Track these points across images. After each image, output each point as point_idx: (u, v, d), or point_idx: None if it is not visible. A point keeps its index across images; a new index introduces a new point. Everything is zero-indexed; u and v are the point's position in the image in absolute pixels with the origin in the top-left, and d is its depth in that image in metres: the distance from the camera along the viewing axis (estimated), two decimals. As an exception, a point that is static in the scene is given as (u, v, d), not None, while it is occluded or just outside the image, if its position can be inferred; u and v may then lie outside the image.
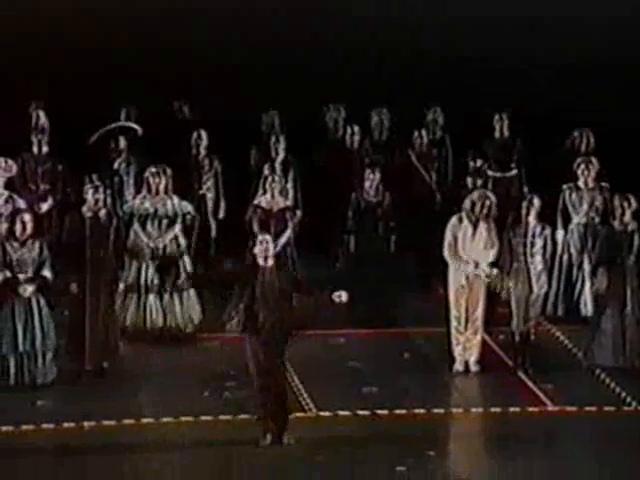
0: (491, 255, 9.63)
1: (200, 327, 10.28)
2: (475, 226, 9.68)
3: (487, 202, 9.68)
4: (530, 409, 9.08)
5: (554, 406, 9.13)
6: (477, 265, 9.69)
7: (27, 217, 9.44)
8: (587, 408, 9.08)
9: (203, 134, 11.44)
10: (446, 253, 9.65)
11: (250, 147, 11.77)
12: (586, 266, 10.65)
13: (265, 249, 8.42)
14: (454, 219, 9.69)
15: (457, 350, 9.70)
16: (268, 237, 8.56)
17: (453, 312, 9.69)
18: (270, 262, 8.52)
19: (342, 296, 8.67)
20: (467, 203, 9.69)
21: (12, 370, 9.23)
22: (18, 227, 9.37)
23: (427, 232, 10.45)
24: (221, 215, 11.41)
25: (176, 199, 10.41)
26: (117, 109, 11.75)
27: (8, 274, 9.32)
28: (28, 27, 12.33)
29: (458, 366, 9.72)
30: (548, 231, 9.84)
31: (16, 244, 9.40)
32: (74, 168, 10.99)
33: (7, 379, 9.26)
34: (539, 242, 9.71)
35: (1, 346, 9.26)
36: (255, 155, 11.72)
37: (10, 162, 10.22)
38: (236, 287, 8.47)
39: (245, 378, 9.09)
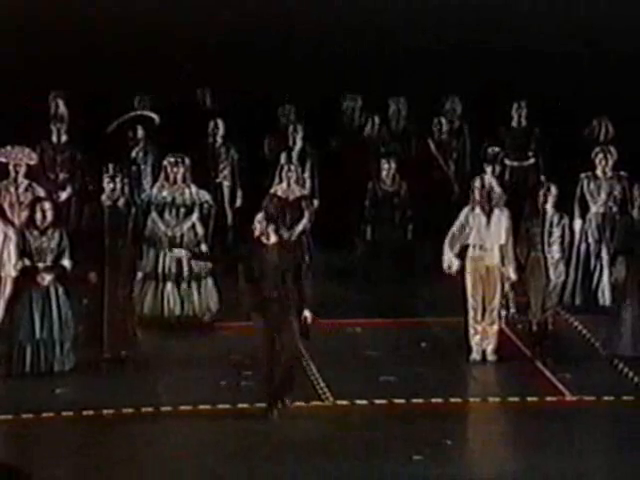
0: (501, 241, 9.59)
1: (218, 315, 10.31)
2: (489, 214, 9.66)
3: (485, 187, 9.64)
4: (548, 399, 9.06)
5: (572, 396, 9.12)
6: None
7: (47, 205, 9.48)
8: (605, 398, 9.07)
9: (220, 123, 11.49)
10: (446, 241, 9.65)
11: (267, 136, 11.80)
12: (604, 255, 10.65)
13: (260, 229, 8.57)
14: (466, 208, 9.71)
15: (474, 340, 9.70)
16: (259, 216, 8.71)
17: (470, 302, 9.69)
18: (272, 240, 8.64)
19: (181, 252, 9.08)
20: (471, 191, 9.68)
21: (28, 357, 9.29)
22: (38, 216, 9.42)
23: (444, 221, 10.36)
24: (238, 203, 11.43)
25: (194, 188, 10.45)
26: (133, 98, 11.80)
27: (27, 262, 9.38)
28: (46, 15, 12.37)
29: (475, 355, 9.73)
30: (566, 220, 9.84)
31: (36, 232, 9.45)
32: (93, 157, 11.03)
33: (24, 367, 9.32)
34: (557, 231, 9.71)
35: (19, 334, 9.32)
36: (272, 144, 11.75)
37: (30, 151, 10.27)
38: (240, 266, 8.70)
39: (261, 367, 9.04)
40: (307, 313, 8.76)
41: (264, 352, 8.64)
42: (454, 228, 9.72)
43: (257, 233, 8.71)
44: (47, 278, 9.38)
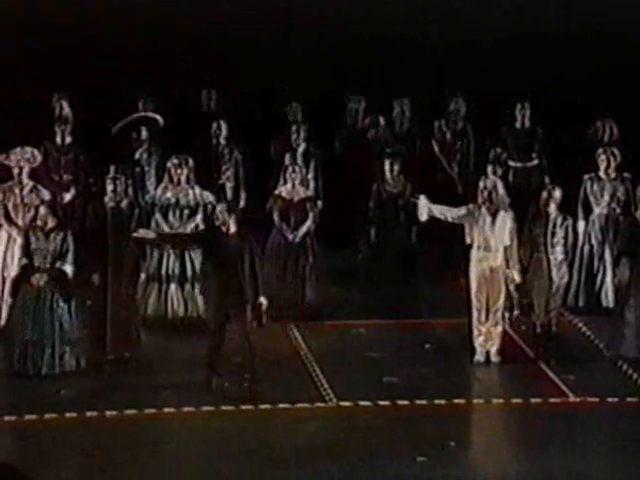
0: (506, 242, 9.59)
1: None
2: (494, 215, 9.66)
3: (491, 188, 9.62)
4: (551, 400, 9.04)
5: (576, 397, 9.11)
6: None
7: (50, 208, 9.51)
8: (609, 399, 9.05)
9: (223, 125, 11.48)
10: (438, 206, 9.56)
11: (270, 137, 11.81)
12: (607, 257, 10.64)
13: (222, 219, 9.08)
14: (471, 206, 9.69)
15: (478, 341, 9.69)
16: (220, 207, 9.27)
17: (474, 303, 9.68)
18: (232, 230, 9.10)
19: (147, 233, 9.45)
20: (480, 192, 9.68)
21: (15, 357, 9.26)
22: (40, 218, 9.44)
23: (449, 223, 10.30)
24: (241, 204, 11.43)
25: (198, 189, 10.46)
26: (136, 100, 11.78)
27: (24, 261, 9.36)
28: (49, 17, 12.37)
29: (479, 357, 9.71)
30: (569, 221, 9.83)
31: (40, 234, 9.45)
32: (96, 158, 11.04)
33: (25, 368, 9.28)
34: (560, 233, 9.70)
35: (16, 335, 9.29)
36: (276, 145, 11.74)
37: (34, 152, 10.28)
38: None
39: (265, 368, 9.17)
40: (262, 300, 9.09)
41: (211, 337, 9.08)
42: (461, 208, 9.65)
43: (218, 223, 9.17)
44: (41, 280, 9.34)
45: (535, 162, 11.66)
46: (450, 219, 9.70)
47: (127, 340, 9.67)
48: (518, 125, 11.69)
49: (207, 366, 9.10)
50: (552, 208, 9.73)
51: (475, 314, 9.68)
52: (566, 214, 9.85)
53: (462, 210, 9.69)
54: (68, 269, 9.39)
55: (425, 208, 9.67)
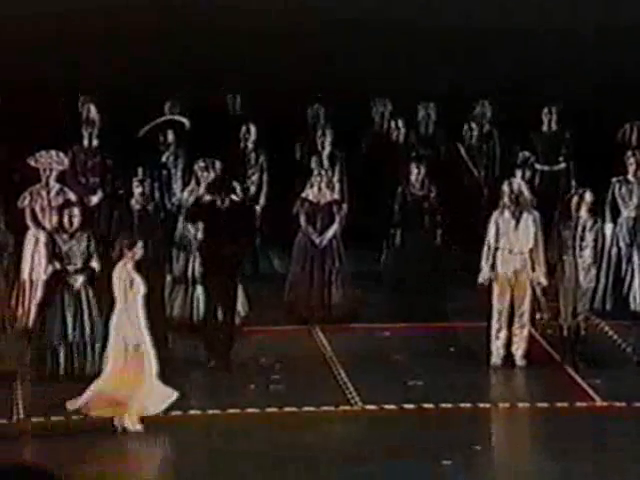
0: (530, 245, 9.55)
1: (246, 319, 10.30)
2: (518, 218, 9.63)
3: (514, 191, 9.58)
4: (578, 404, 9.05)
5: (602, 402, 9.09)
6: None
7: (76, 211, 9.59)
8: (636, 403, 9.03)
9: (252, 128, 11.52)
10: (483, 254, 9.59)
11: (296, 141, 11.84)
12: (635, 260, 10.61)
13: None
14: (495, 213, 9.67)
15: (496, 344, 9.64)
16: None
17: (496, 305, 9.66)
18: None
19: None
20: (501, 195, 9.65)
21: (62, 360, 9.35)
22: (66, 221, 9.53)
23: (474, 226, 10.44)
24: (261, 202, 11.39)
25: (225, 191, 10.38)
26: (163, 102, 11.84)
27: (58, 266, 9.47)
28: (78, 20, 12.38)
29: (496, 360, 9.66)
30: (599, 225, 9.79)
31: (65, 236, 9.54)
32: (123, 162, 11.11)
33: (57, 369, 9.39)
34: (590, 236, 9.66)
35: (52, 337, 9.39)
36: (301, 149, 11.79)
37: (62, 155, 10.35)
38: None
39: (290, 371, 9.22)
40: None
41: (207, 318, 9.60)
42: (489, 238, 9.66)
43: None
44: (79, 280, 9.46)
45: (562, 165, 11.66)
46: (493, 240, 9.64)
47: (153, 342, 9.49)
48: (545, 128, 11.70)
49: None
50: (583, 211, 9.69)
51: (495, 316, 9.65)
52: (596, 217, 9.82)
53: (491, 229, 9.62)
54: (96, 267, 9.46)
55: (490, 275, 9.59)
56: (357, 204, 11.36)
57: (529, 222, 9.64)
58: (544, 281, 9.65)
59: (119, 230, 9.84)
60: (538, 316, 9.87)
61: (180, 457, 8.38)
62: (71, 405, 8.49)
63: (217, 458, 8.36)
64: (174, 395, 8.55)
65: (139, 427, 8.48)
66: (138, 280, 8.65)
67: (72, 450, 8.34)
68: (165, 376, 9.26)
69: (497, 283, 9.64)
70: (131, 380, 8.47)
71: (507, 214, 9.66)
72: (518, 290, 9.66)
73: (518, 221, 9.65)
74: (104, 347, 9.38)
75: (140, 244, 8.74)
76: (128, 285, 8.58)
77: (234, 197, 10.32)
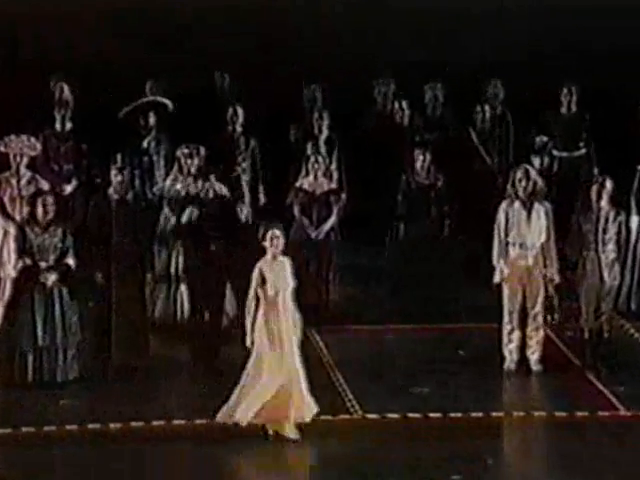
0: (542, 239, 9.47)
1: (235, 321, 10.15)
2: (529, 209, 9.52)
3: (528, 179, 9.47)
4: (600, 414, 9.01)
5: (627, 411, 9.06)
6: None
7: (50, 200, 9.46)
8: (663, 413, 9.04)
9: (239, 110, 11.42)
10: (494, 251, 9.52)
11: (290, 124, 11.73)
12: (663, 256, 10.60)
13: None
14: (504, 204, 9.55)
15: (508, 348, 9.59)
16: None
17: (507, 305, 9.58)
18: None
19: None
20: (509, 183, 9.55)
21: (30, 366, 9.27)
22: (40, 210, 9.39)
23: (485, 218, 10.24)
24: (261, 201, 11.37)
25: (210, 181, 10.39)
26: (145, 82, 11.73)
27: (28, 261, 9.35)
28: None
29: (509, 364, 9.60)
30: (622, 217, 9.70)
31: (38, 229, 9.42)
32: (100, 147, 11.00)
33: (26, 376, 9.30)
34: (612, 229, 9.55)
35: (20, 340, 9.30)
36: (296, 133, 11.68)
37: (33, 140, 10.25)
38: None
39: None
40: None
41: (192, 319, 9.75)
42: (499, 233, 9.55)
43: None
44: (50, 278, 9.34)
45: (583, 151, 11.59)
46: (503, 234, 9.52)
47: (133, 345, 9.68)
48: (564, 110, 11.60)
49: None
50: (604, 202, 9.58)
51: (506, 318, 9.58)
52: (619, 209, 9.73)
53: (500, 222, 9.50)
54: (71, 264, 9.36)
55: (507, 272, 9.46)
56: (357, 194, 11.28)
57: (541, 213, 9.54)
58: (557, 278, 9.55)
59: (95, 222, 9.75)
60: (549, 317, 9.77)
61: (161, 472, 8.22)
62: (243, 419, 8.39)
63: (204, 473, 8.22)
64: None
65: (299, 435, 8.41)
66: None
67: (41, 464, 8.19)
68: (146, 383, 9.28)
69: (507, 281, 9.53)
70: (286, 385, 8.42)
71: (517, 204, 9.53)
72: (530, 289, 9.55)
73: (529, 212, 9.53)
74: (79, 352, 9.37)
75: (278, 231, 8.46)
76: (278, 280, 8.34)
77: (221, 187, 10.24)
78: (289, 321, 8.49)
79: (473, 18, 12.27)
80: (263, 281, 8.42)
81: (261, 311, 8.48)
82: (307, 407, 8.48)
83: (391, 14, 12.27)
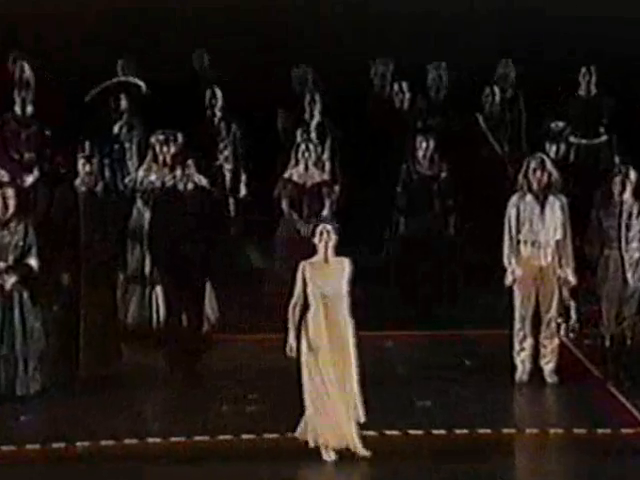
0: (557, 236, 9.28)
1: (216, 326, 10.17)
2: (543, 203, 9.32)
3: (542, 170, 9.30)
4: (623, 431, 8.78)
5: (653, 427, 8.93)
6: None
7: (9, 192, 9.24)
8: (693, 430, 8.86)
9: (218, 92, 11.31)
10: (505, 250, 9.33)
11: (278, 108, 11.60)
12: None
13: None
14: (514, 197, 9.37)
15: (519, 357, 9.43)
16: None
17: (518, 311, 9.40)
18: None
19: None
20: (521, 174, 9.38)
21: None
22: (-1, 205, 9.23)
23: (494, 212, 10.04)
24: (242, 192, 11.26)
25: (188, 171, 10.15)
26: (115, 60, 11.61)
27: (-16, 260, 9.19)
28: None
29: (522, 375, 9.42)
30: (647, 211, 9.55)
31: (-5, 225, 9.24)
32: (65, 133, 10.84)
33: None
34: (637, 225, 9.36)
35: None
36: (284, 118, 11.52)
37: (-11, 126, 10.27)
38: None
39: (274, 390, 8.97)
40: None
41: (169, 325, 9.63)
42: (510, 230, 9.35)
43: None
44: (9, 280, 9.16)
45: (603, 138, 11.47)
46: (515, 230, 9.32)
47: (103, 354, 9.58)
48: (582, 93, 11.49)
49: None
50: (627, 194, 9.39)
51: (518, 325, 9.41)
52: (644, 202, 9.60)
53: (511, 217, 9.28)
54: (34, 264, 9.19)
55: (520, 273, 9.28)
56: (351, 185, 11.18)
57: (556, 208, 9.34)
58: (573, 280, 9.34)
59: (60, 217, 9.55)
60: (563, 326, 9.61)
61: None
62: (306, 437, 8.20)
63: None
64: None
65: (366, 452, 8.22)
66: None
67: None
68: (117, 395, 9.08)
69: (519, 283, 9.33)
70: (345, 399, 8.31)
71: (530, 198, 9.33)
72: (545, 292, 9.36)
73: (543, 207, 9.34)
74: (42, 361, 9.15)
75: (329, 225, 8.08)
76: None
77: (201, 178, 10.00)
78: (341, 330, 8.24)
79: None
80: (306, 282, 8.10)
81: (309, 314, 8.18)
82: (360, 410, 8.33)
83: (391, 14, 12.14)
